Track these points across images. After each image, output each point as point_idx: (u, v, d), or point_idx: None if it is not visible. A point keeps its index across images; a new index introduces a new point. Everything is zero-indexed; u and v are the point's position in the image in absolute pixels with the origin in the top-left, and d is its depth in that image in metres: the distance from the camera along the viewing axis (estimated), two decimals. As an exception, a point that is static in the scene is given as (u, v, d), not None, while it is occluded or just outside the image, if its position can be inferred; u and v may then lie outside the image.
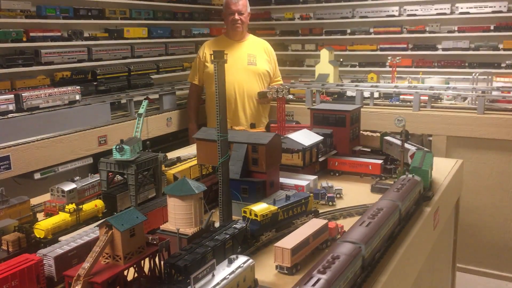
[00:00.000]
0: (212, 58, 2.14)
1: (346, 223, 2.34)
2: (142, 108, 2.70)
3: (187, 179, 2.05)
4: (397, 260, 2.09)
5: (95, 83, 5.29)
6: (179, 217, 2.02)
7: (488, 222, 4.81)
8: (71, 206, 2.28)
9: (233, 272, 1.65)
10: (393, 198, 2.30)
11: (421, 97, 4.96)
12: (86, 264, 1.56)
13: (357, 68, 7.31)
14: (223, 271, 1.64)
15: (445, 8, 6.68)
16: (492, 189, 4.74)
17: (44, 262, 1.77)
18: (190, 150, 3.76)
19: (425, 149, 3.19)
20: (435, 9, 6.72)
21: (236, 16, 5.03)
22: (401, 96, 5.23)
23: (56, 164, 4.22)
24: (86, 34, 5.49)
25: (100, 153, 4.37)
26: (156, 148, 4.89)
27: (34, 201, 2.74)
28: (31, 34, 4.84)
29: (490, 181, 4.74)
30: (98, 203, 2.42)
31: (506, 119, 4.55)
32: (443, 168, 3.32)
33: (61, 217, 2.22)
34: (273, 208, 2.22)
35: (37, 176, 4.08)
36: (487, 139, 4.64)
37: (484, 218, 4.81)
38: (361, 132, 3.70)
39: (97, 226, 1.71)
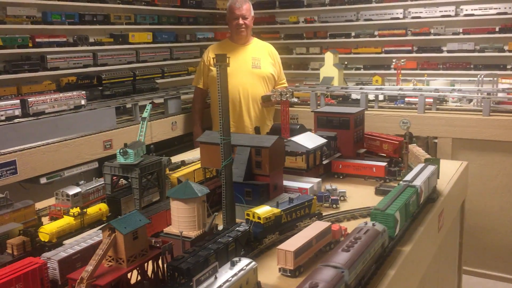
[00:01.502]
0: (215, 62, 2.16)
1: (349, 226, 2.34)
2: (146, 112, 2.72)
3: (190, 182, 2.05)
4: (400, 262, 2.09)
5: (100, 88, 5.33)
6: (182, 220, 2.02)
7: (495, 225, 4.78)
8: (76, 210, 2.30)
9: (235, 274, 1.65)
10: (338, 263, 1.66)
11: (426, 100, 4.94)
12: (89, 267, 1.57)
13: (361, 71, 7.30)
14: (226, 274, 1.64)
15: (449, 10, 6.67)
16: (498, 191, 4.72)
17: (48, 265, 1.78)
18: (195, 153, 3.76)
19: (417, 184, 2.48)
20: (440, 11, 6.71)
21: (240, 21, 5.04)
22: (406, 99, 5.22)
23: (62, 169, 4.25)
24: (91, 40, 5.53)
25: (105, 158, 4.39)
26: (161, 152, 4.91)
27: (40, 205, 2.76)
28: (37, 39, 4.89)
29: (496, 183, 4.71)
30: (102, 206, 2.44)
31: (512, 121, 4.53)
32: (448, 171, 3.30)
33: (66, 221, 2.24)
34: (276, 211, 2.22)
35: (43, 180, 4.11)
36: (493, 141, 4.61)
37: (491, 220, 4.78)
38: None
39: (100, 229, 1.72)
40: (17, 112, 4.11)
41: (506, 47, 6.37)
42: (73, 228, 2.26)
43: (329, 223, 2.18)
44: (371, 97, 5.26)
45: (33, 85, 4.72)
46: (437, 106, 5.02)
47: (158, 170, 2.57)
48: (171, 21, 6.59)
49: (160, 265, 1.79)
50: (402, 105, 5.23)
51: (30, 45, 4.83)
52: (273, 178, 2.58)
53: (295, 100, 5.51)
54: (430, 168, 2.75)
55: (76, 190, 2.57)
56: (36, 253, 1.97)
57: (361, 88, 5.30)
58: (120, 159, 2.42)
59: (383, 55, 7.14)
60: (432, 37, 6.83)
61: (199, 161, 3.01)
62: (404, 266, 2.12)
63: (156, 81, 6.05)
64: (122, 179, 2.62)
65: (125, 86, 5.57)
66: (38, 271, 1.69)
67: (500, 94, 4.83)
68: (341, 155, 3.34)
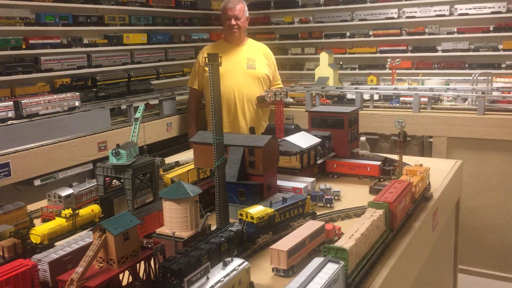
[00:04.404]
0: (207, 61, 2.15)
1: (343, 225, 2.33)
2: (139, 112, 2.70)
3: (182, 183, 2.04)
4: (394, 261, 2.08)
5: (94, 89, 5.31)
6: (174, 221, 2.01)
7: (490, 223, 4.79)
8: (68, 211, 2.28)
9: (228, 274, 1.64)
10: None
11: (421, 99, 4.95)
12: (79, 269, 1.56)
13: (357, 71, 7.31)
14: (218, 274, 1.63)
15: (444, 10, 6.68)
16: (493, 189, 4.72)
17: (38, 267, 1.76)
18: (189, 154, 3.75)
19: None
20: (434, 10, 6.73)
21: (233, 22, 5.03)
22: (401, 98, 5.22)
23: (56, 171, 4.22)
24: (85, 41, 5.51)
25: (100, 159, 4.35)
26: (156, 153, 4.90)
27: (32, 207, 2.75)
28: (31, 41, 4.87)
29: (492, 181, 4.71)
30: (95, 208, 2.42)
31: (507, 120, 4.53)
32: (442, 169, 3.30)
33: (57, 223, 2.22)
34: (269, 210, 2.21)
35: (37, 182, 4.08)
36: (487, 139, 4.62)
37: (486, 219, 4.79)
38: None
39: (91, 230, 1.70)
40: (11, 114, 4.08)
41: (500, 46, 6.39)
42: (65, 230, 2.24)
43: (323, 223, 2.18)
44: (366, 96, 5.26)
45: (27, 87, 4.70)
46: (432, 106, 5.02)
47: (151, 170, 2.56)
48: (165, 22, 6.58)
49: (152, 266, 1.78)
50: (397, 104, 5.23)
51: (24, 46, 4.81)
52: (266, 178, 2.57)
53: (290, 100, 5.52)
54: (330, 270, 1.62)
55: (69, 191, 2.55)
56: (27, 255, 1.95)
57: (356, 88, 5.30)
58: (113, 160, 2.40)
59: (378, 55, 7.15)
60: (426, 36, 6.84)
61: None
62: (398, 265, 2.11)
63: (151, 82, 6.03)
64: (115, 180, 2.61)
65: (119, 87, 5.55)
66: (28, 273, 1.68)
67: (494, 93, 4.84)
68: (335, 154, 3.33)
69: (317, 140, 3.12)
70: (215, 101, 2.17)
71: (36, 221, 2.52)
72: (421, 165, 2.75)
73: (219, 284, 1.58)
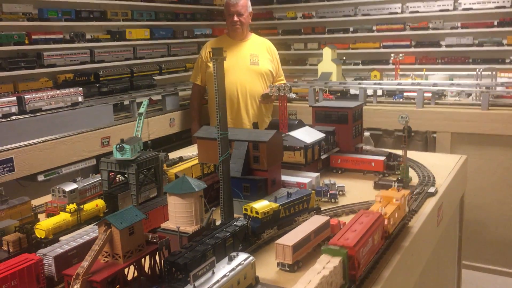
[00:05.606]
0: (211, 56, 2.14)
1: (348, 220, 2.31)
2: (143, 107, 2.70)
3: (187, 177, 2.03)
4: (400, 255, 2.07)
5: (97, 85, 5.31)
6: (179, 215, 2.01)
7: (494, 219, 4.77)
8: (72, 206, 2.28)
9: (233, 269, 1.64)
10: None
11: (425, 94, 4.93)
12: (85, 263, 1.55)
13: (360, 66, 7.28)
14: (223, 269, 1.63)
15: (448, 5, 6.64)
16: (497, 185, 4.70)
17: (44, 261, 1.76)
18: (193, 150, 3.75)
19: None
20: (438, 5, 6.69)
21: (235, 18, 5.01)
22: (405, 93, 5.20)
23: (59, 166, 4.23)
24: (88, 36, 5.50)
25: (103, 155, 4.36)
26: (159, 148, 4.90)
27: (37, 202, 2.75)
28: (33, 36, 4.86)
29: (496, 177, 4.70)
30: (99, 203, 2.42)
31: (511, 115, 4.51)
32: (447, 164, 3.29)
33: (62, 217, 2.22)
34: (274, 205, 2.21)
35: (40, 178, 4.09)
36: (491, 135, 4.60)
37: (490, 214, 4.77)
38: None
39: (96, 224, 1.70)
40: (14, 109, 4.08)
41: (504, 41, 6.35)
42: (69, 225, 2.24)
43: (327, 218, 2.17)
44: (369, 92, 5.24)
45: (30, 82, 4.69)
46: (436, 101, 5.00)
47: (155, 165, 2.55)
48: (168, 17, 6.56)
49: (157, 260, 1.78)
50: (401, 100, 5.21)
51: (27, 42, 4.80)
52: (271, 172, 2.57)
53: (293, 95, 5.51)
54: None
55: (73, 186, 2.55)
56: (32, 250, 1.95)
57: (359, 83, 5.28)
58: (117, 155, 2.40)
59: (381, 50, 7.12)
60: (430, 31, 6.81)
61: (197, 157, 3.00)
62: (403, 260, 2.10)
63: (154, 77, 6.02)
64: (119, 175, 2.60)
65: (122, 83, 5.55)
66: (34, 268, 1.68)
67: (498, 88, 4.82)
68: (339, 149, 3.32)
69: (321, 135, 3.11)
70: (220, 95, 2.16)
71: (41, 216, 2.52)
72: (399, 189, 2.31)
73: (225, 278, 1.58)
